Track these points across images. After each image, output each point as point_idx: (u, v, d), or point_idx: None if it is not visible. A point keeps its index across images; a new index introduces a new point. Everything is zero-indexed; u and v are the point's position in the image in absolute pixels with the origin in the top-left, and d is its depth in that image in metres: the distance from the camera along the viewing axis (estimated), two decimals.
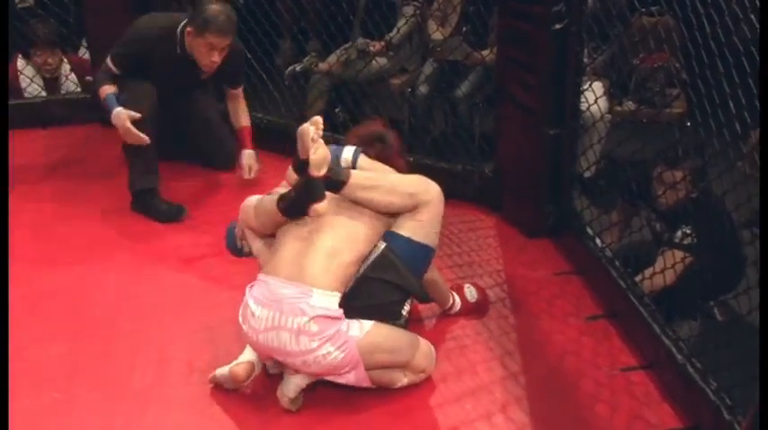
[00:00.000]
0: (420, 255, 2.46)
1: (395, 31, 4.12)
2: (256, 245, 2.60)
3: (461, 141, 3.96)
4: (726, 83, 2.35)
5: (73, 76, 4.44)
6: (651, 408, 2.39)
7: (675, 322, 2.71)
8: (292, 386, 2.31)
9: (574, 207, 3.20)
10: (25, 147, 3.95)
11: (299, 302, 2.23)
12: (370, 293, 2.37)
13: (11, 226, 3.03)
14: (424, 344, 2.49)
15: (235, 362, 2.37)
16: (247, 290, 2.37)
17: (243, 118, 3.67)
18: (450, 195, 3.45)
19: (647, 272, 2.91)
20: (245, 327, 2.33)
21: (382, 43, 4.14)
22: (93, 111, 4.22)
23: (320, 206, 2.34)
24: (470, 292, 2.81)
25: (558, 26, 2.96)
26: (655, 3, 2.85)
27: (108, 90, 3.36)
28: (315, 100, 4.29)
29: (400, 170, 2.58)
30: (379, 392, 2.40)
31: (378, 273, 2.38)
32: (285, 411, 2.32)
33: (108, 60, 3.40)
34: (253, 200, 2.59)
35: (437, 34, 4.08)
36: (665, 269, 2.83)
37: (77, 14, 4.38)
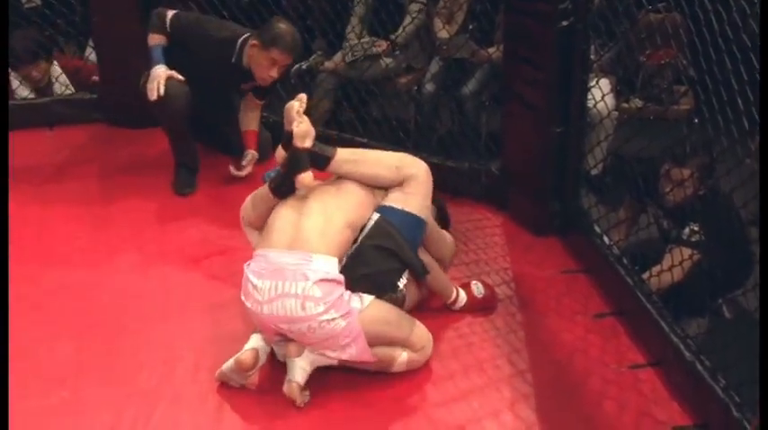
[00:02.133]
0: (413, 224, 2.53)
1: (400, 29, 4.11)
2: (255, 238, 2.64)
3: (468, 140, 3.95)
4: (734, 79, 2.33)
5: (63, 79, 4.38)
6: (659, 406, 2.38)
7: (683, 319, 2.69)
8: (298, 370, 2.33)
9: (581, 205, 3.19)
10: (31, 147, 3.96)
11: (301, 268, 2.28)
12: (366, 261, 2.42)
13: (17, 226, 3.05)
14: (421, 324, 2.53)
15: (238, 354, 2.38)
16: (245, 267, 2.41)
17: (254, 124, 3.74)
18: (457, 194, 3.50)
19: (655, 269, 2.90)
20: (248, 304, 2.37)
21: (388, 43, 4.13)
22: (99, 112, 4.24)
23: (305, 176, 2.44)
24: (477, 288, 2.81)
25: (564, 23, 2.95)
26: None
27: (157, 40, 3.45)
28: (321, 98, 4.29)
29: None
30: (386, 388, 2.41)
31: (374, 241, 2.44)
32: (292, 409, 2.33)
33: (168, 12, 3.45)
34: (248, 199, 2.68)
35: (443, 32, 4.07)
36: (673, 266, 2.82)
37: (84, 14, 4.38)
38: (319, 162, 2.49)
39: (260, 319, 2.38)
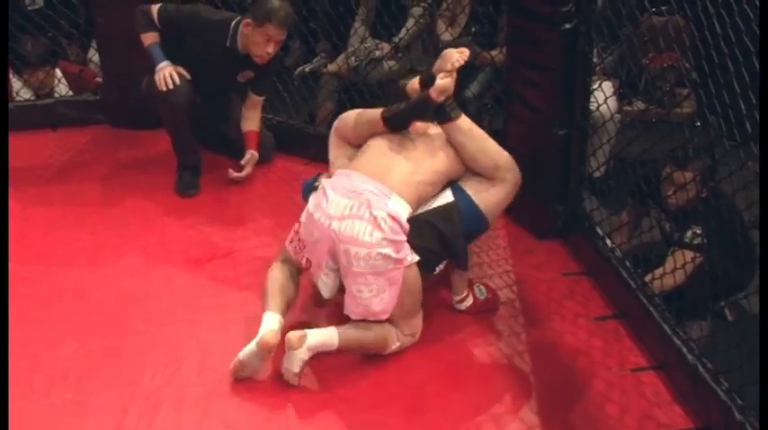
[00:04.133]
0: (478, 223, 2.62)
1: (403, 32, 4.11)
2: (335, 152, 2.75)
3: None
4: (736, 83, 2.34)
5: (64, 83, 4.40)
6: (662, 409, 2.39)
7: (686, 322, 2.70)
8: (296, 361, 2.38)
9: (583, 207, 3.19)
10: (34, 148, 3.97)
11: (381, 199, 2.39)
12: (421, 234, 2.48)
13: (20, 227, 3.06)
14: (421, 314, 2.61)
15: (259, 336, 2.41)
16: (323, 179, 2.51)
17: (254, 124, 3.72)
18: None
19: (657, 272, 2.91)
20: (316, 215, 2.44)
21: (391, 45, 4.14)
22: (102, 113, 4.25)
23: (422, 125, 2.58)
24: (480, 290, 2.82)
25: (567, 26, 2.96)
26: (664, 2, 2.83)
27: (152, 38, 3.47)
28: (324, 101, 4.30)
29: None
30: (387, 390, 2.42)
31: (436, 220, 2.51)
32: (297, 411, 2.34)
33: (153, 7, 3.46)
34: (353, 112, 2.76)
35: (446, 35, 4.08)
36: (676, 269, 2.83)
37: (87, 16, 4.39)
38: (442, 116, 2.58)
39: (320, 236, 2.44)
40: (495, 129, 3.97)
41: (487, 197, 2.61)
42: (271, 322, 2.45)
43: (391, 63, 4.13)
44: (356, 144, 2.74)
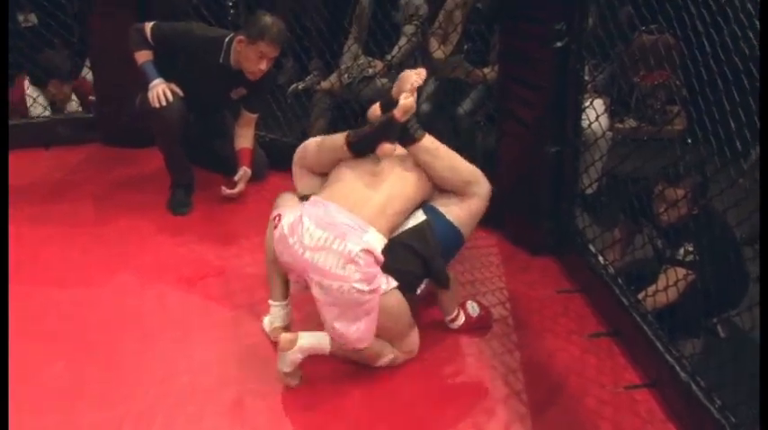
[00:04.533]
0: (454, 240, 2.60)
1: (396, 49, 4.13)
2: (303, 183, 2.75)
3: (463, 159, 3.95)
4: (726, 100, 2.35)
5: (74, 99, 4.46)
6: (655, 427, 2.38)
7: (679, 340, 2.69)
8: (287, 361, 2.42)
9: (576, 224, 3.20)
10: (27, 166, 3.96)
11: (357, 233, 2.36)
12: (396, 257, 2.47)
13: (13, 245, 3.04)
14: (416, 329, 2.61)
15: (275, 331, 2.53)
16: (302, 206, 2.48)
17: (247, 141, 3.72)
18: None
19: (650, 289, 2.91)
20: (291, 240, 2.41)
21: (384, 63, 4.15)
22: (95, 131, 4.25)
23: (389, 147, 2.54)
24: (473, 307, 2.82)
25: (558, 44, 2.97)
26: (655, 21, 2.86)
27: (146, 56, 3.48)
28: (317, 118, 4.30)
29: None
30: (379, 408, 2.42)
31: (411, 242, 2.50)
32: (290, 428, 2.33)
33: (146, 25, 3.47)
34: (312, 141, 2.75)
35: (438, 52, 4.09)
36: (668, 286, 2.83)
37: (81, 34, 4.40)
38: (406, 139, 2.57)
39: (292, 261, 2.44)
40: (487, 147, 4.02)
41: (460, 213, 2.61)
42: (276, 318, 2.60)
43: (384, 80, 4.13)
44: (320, 172, 2.72)
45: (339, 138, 2.63)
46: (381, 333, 2.47)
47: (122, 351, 2.67)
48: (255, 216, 3.55)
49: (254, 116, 3.72)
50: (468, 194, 2.63)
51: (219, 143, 3.81)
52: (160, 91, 3.39)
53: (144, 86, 3.47)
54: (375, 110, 2.63)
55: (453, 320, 2.78)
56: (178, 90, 3.45)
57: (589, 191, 3.27)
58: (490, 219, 3.46)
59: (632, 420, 2.41)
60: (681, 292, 2.85)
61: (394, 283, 2.44)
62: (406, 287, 2.50)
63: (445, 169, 2.61)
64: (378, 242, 2.41)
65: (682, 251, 2.95)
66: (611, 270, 2.96)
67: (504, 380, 2.58)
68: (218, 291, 3.00)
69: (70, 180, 3.94)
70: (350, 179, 2.55)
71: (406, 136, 2.57)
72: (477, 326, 2.81)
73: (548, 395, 2.52)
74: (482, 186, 2.66)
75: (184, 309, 2.92)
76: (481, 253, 3.33)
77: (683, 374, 2.39)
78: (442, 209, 2.60)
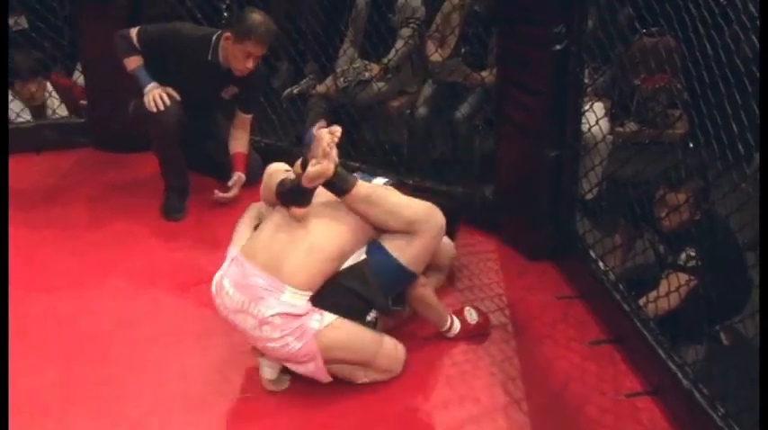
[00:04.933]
0: (398, 276, 2.50)
1: (392, 53, 4.10)
2: (249, 217, 2.70)
3: (461, 163, 3.93)
4: (728, 104, 2.32)
5: (55, 95, 4.36)
6: None
7: (681, 347, 2.66)
8: (267, 369, 2.44)
9: (576, 229, 3.17)
10: (19, 171, 3.91)
11: (270, 296, 2.30)
12: (332, 295, 2.39)
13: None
14: (390, 345, 2.53)
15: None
16: (226, 262, 2.44)
17: (242, 145, 3.70)
18: None
19: (652, 295, 2.87)
20: (217, 301, 2.43)
21: (380, 67, 4.12)
22: (84, 135, 4.21)
23: (298, 211, 2.42)
24: (471, 314, 2.78)
25: (558, 47, 2.94)
26: (656, 23, 2.82)
27: (136, 62, 3.46)
28: (312, 122, 4.26)
29: None
30: (377, 414, 2.39)
31: (349, 282, 2.42)
32: None
33: (131, 31, 3.44)
34: (273, 167, 2.67)
35: (436, 56, 4.06)
36: (670, 292, 2.79)
37: (72, 37, 4.36)
38: (336, 191, 2.45)
39: (226, 316, 2.44)
40: (485, 151, 3.99)
41: (408, 250, 2.46)
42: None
43: (380, 84, 4.11)
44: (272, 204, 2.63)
45: (276, 183, 2.50)
46: (343, 363, 2.44)
47: (115, 358, 2.64)
48: None
49: (249, 117, 3.69)
50: (415, 232, 2.47)
51: (212, 146, 3.78)
52: (156, 95, 3.36)
53: (137, 92, 3.43)
54: (297, 167, 2.51)
55: (448, 331, 2.74)
56: (174, 93, 3.42)
57: (589, 195, 3.24)
58: (489, 223, 3.46)
59: (634, 428, 2.37)
60: (683, 298, 2.81)
61: (330, 317, 2.35)
62: (352, 316, 2.43)
63: (382, 214, 2.46)
64: (295, 300, 2.31)
65: (683, 256, 2.91)
66: (612, 275, 2.92)
67: (503, 387, 2.54)
68: (212, 299, 2.95)
69: (62, 185, 3.90)
70: (269, 232, 2.44)
71: (333, 190, 2.44)
72: (476, 333, 2.77)
73: (548, 403, 2.49)
74: (429, 223, 2.49)
75: (178, 316, 2.89)
76: (479, 258, 3.30)
77: (685, 382, 2.36)
78: (388, 247, 2.46)
